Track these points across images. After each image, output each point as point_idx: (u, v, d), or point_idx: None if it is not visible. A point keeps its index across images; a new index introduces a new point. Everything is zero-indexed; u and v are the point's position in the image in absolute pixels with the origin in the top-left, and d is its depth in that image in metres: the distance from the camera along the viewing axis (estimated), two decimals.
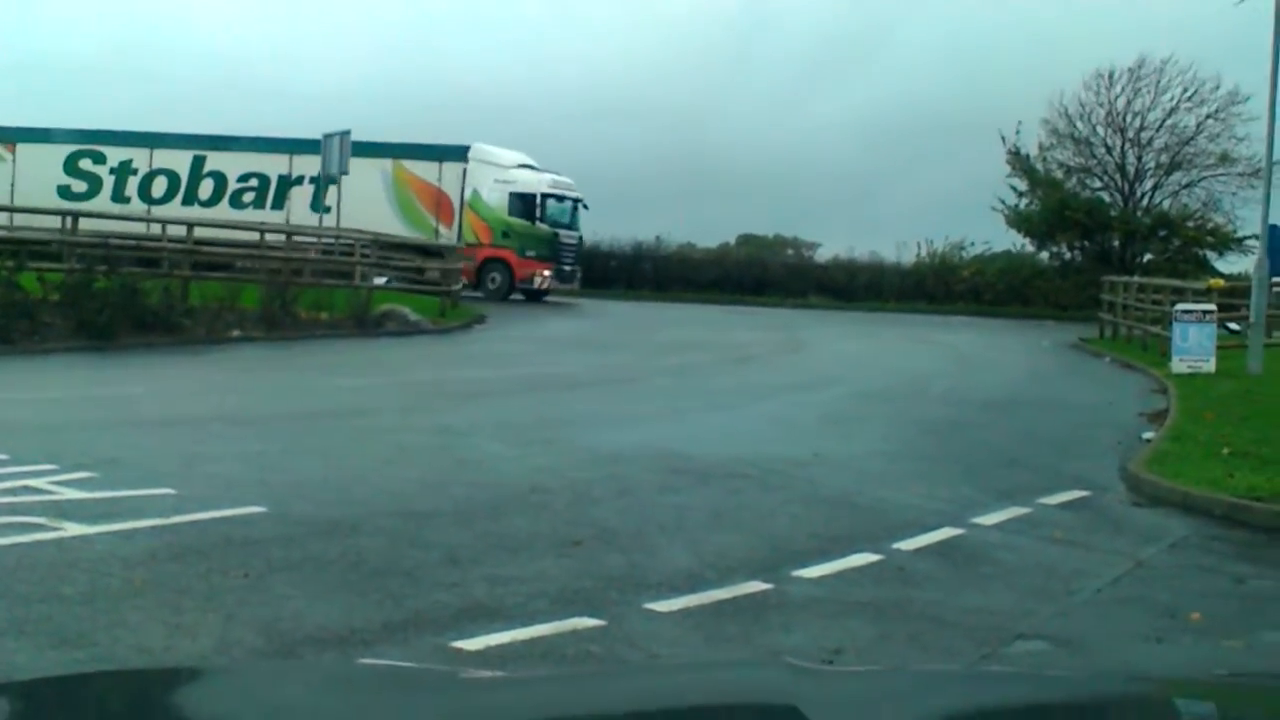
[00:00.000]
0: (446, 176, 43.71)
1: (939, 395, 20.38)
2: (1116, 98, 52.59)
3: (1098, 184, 54.06)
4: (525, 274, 42.62)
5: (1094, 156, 53.64)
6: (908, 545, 9.32)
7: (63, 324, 21.62)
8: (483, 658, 6.44)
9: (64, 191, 43.71)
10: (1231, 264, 49.92)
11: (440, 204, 43.74)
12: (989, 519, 10.40)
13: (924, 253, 55.50)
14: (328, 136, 33.81)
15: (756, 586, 7.96)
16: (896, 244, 57.04)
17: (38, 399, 15.66)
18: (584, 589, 7.71)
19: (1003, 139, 52.92)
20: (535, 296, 43.02)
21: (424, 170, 43.94)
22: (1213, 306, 24.75)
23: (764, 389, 20.66)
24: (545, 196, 43.05)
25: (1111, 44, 73.01)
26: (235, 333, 24.43)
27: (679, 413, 17.01)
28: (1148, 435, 15.56)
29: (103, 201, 43.07)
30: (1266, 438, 14.15)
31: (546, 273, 42.92)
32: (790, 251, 66.59)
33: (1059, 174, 53.52)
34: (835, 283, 54.82)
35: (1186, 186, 52.83)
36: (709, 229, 46.89)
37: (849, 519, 10.33)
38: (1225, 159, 51.43)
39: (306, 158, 41.61)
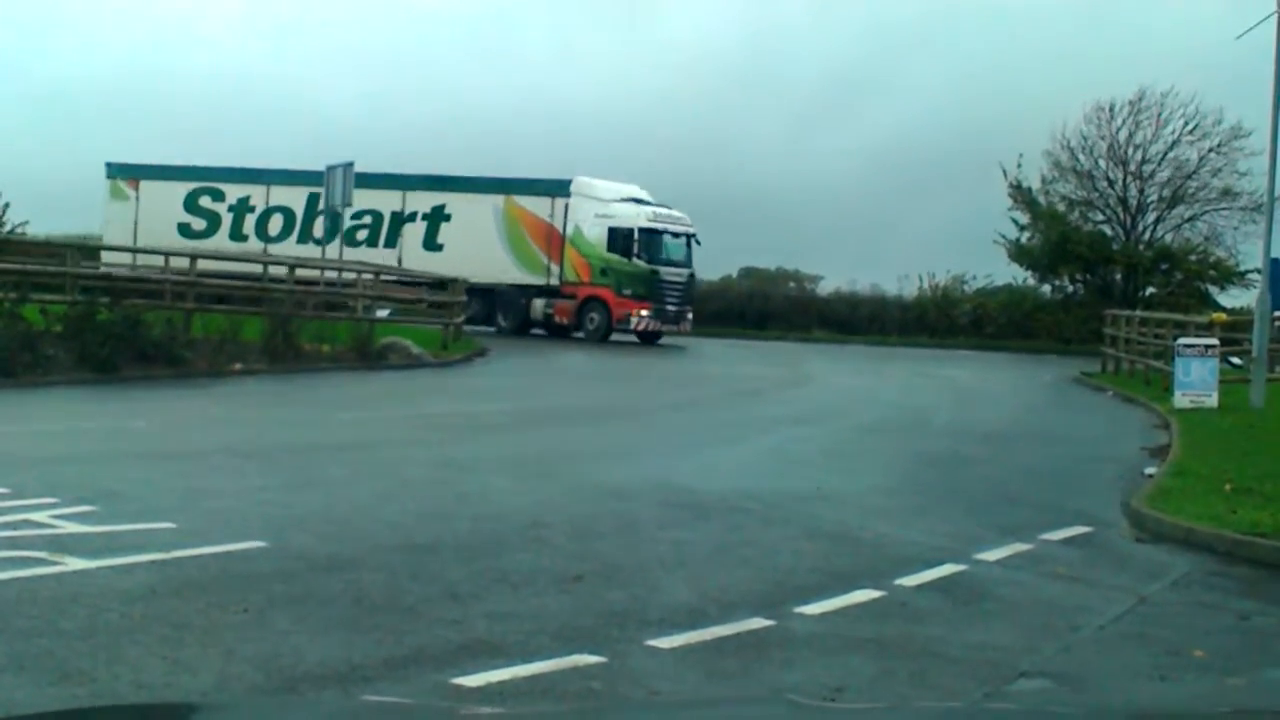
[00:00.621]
0: (557, 211, 42.08)
1: (941, 429, 20.37)
2: (1118, 130, 52.76)
3: (1100, 217, 54.13)
4: (621, 313, 40.66)
5: (1096, 189, 53.73)
6: (910, 581, 9.29)
7: (65, 356, 21.61)
8: (483, 694, 6.42)
9: (184, 230, 43.58)
10: (1234, 298, 49.93)
11: (551, 241, 42.17)
12: (992, 555, 10.38)
13: (926, 286, 55.51)
14: (330, 168, 33.81)
15: (758, 623, 7.93)
16: (898, 277, 56.80)
17: (39, 432, 15.65)
18: (585, 625, 7.68)
19: (1004, 172, 53.06)
20: (647, 339, 41.27)
21: (536, 206, 42.39)
22: (1215, 340, 24.73)
23: (766, 422, 20.64)
24: (644, 231, 40.80)
25: (1113, 76, 73.25)
26: (237, 366, 24.43)
27: (682, 447, 16.99)
28: (1150, 471, 15.53)
29: (220, 240, 43.36)
30: (1269, 473, 14.13)
31: (644, 312, 40.65)
32: (792, 285, 66.57)
33: (1061, 207, 53.58)
34: (837, 316, 54.83)
35: (1189, 220, 52.93)
36: (711, 261, 46.68)
37: (851, 554, 10.30)
38: (1227, 193, 51.55)
39: (420, 194, 42.79)
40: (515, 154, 77.82)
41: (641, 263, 40.67)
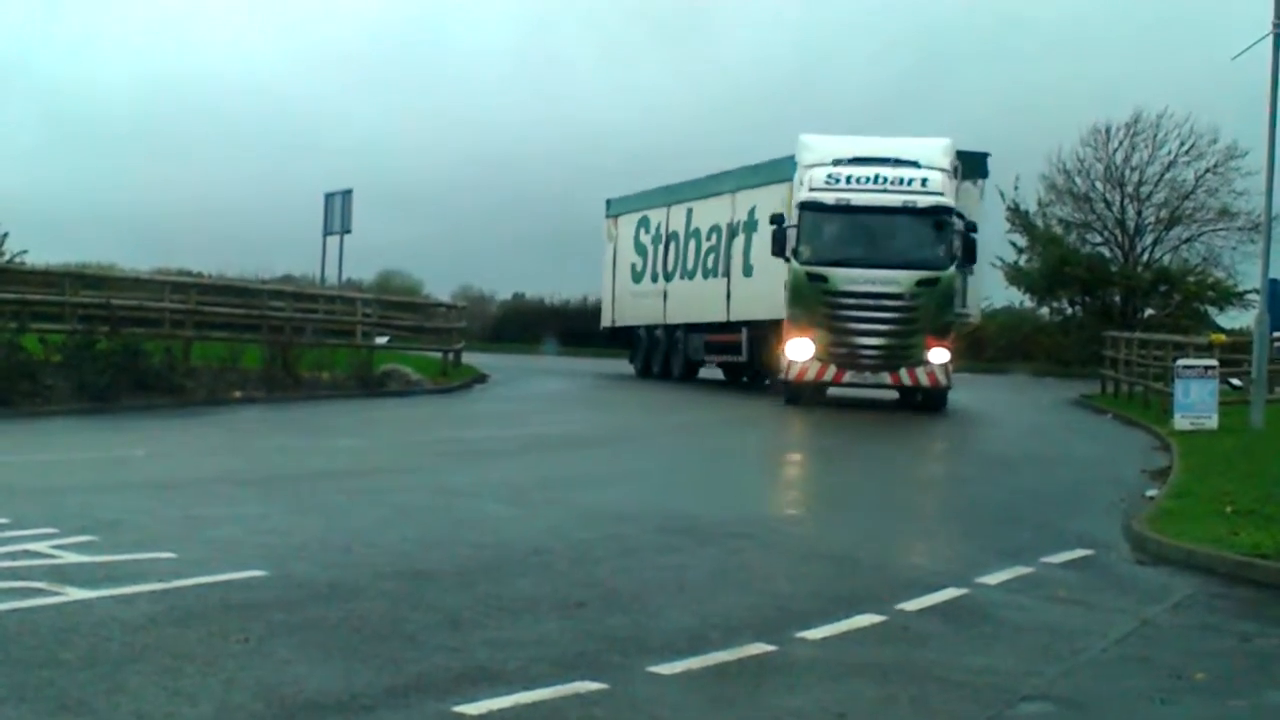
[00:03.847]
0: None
1: (940, 453, 20.37)
2: (1114, 152, 52.95)
3: (1098, 239, 54.26)
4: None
5: (1094, 212, 53.87)
6: (911, 605, 9.27)
7: (64, 385, 21.63)
8: None
9: (635, 273, 39.61)
10: (1233, 319, 49.98)
11: None
12: (992, 578, 10.36)
13: None
14: (329, 196, 33.90)
15: (760, 648, 7.91)
16: None
17: (39, 461, 15.65)
18: (587, 651, 7.66)
19: (1001, 195, 53.12)
20: None
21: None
22: (1215, 361, 24.73)
23: (764, 449, 20.64)
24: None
25: (1110, 98, 73.30)
26: (237, 394, 24.47)
27: (680, 472, 16.98)
28: (1151, 493, 15.52)
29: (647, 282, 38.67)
30: (1271, 495, 14.11)
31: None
32: None
33: (1058, 229, 53.68)
34: None
35: (1186, 241, 53.09)
36: None
37: (852, 579, 10.29)
38: (1225, 213, 51.70)
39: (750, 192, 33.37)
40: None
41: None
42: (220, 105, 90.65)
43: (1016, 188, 52.74)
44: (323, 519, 11.93)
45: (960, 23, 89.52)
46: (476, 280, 65.79)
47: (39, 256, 34.20)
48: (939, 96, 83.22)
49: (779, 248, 26.81)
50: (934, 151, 27.78)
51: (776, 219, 27.29)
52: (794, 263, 26.56)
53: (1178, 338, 32.12)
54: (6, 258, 34.39)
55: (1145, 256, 53.58)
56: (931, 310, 26.41)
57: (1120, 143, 52.67)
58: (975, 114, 73.25)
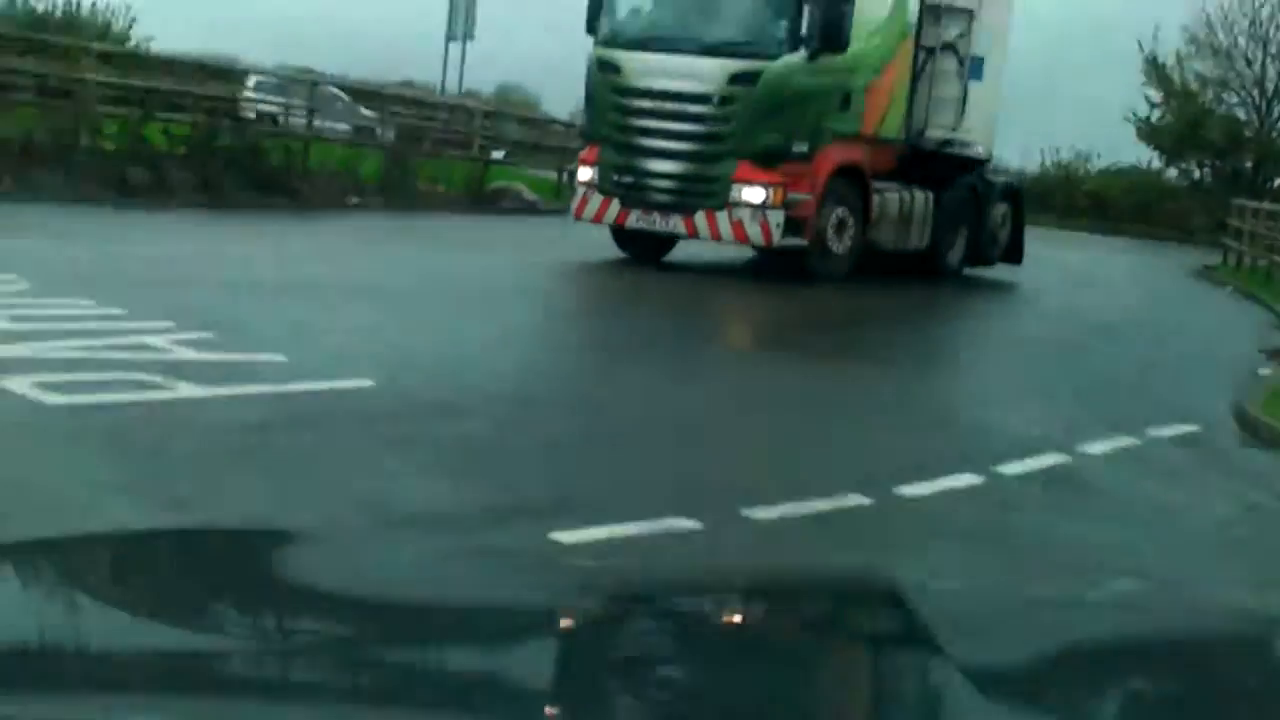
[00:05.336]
0: None
1: (1050, 314, 20.07)
2: (1260, 6, 50.77)
3: (1234, 99, 52.41)
4: None
5: (1233, 69, 51.92)
6: (1011, 469, 9.20)
7: (185, 178, 21.87)
8: (578, 550, 6.49)
9: None
10: None
11: None
12: (1096, 447, 10.23)
13: (1049, 161, 54.13)
14: None
15: (857, 500, 7.92)
16: (1021, 150, 55.02)
17: (156, 255, 15.89)
18: (685, 490, 7.72)
19: (1140, 45, 51.40)
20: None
21: None
22: None
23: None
24: None
25: None
26: (354, 200, 24.61)
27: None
28: (1264, 371, 15.21)
29: None
30: None
31: None
32: None
33: (1195, 86, 51.95)
34: None
35: None
36: None
37: (952, 439, 10.24)
38: None
39: None
40: None
41: None
42: None
43: (1155, 37, 51.02)
44: (432, 334, 12.06)
45: None
46: None
47: (165, 44, 34.51)
48: None
49: (589, 19, 19.05)
50: None
51: None
52: (594, 43, 18.96)
53: None
54: (133, 43, 34.71)
55: None
56: (748, 120, 17.53)
57: None
58: None
